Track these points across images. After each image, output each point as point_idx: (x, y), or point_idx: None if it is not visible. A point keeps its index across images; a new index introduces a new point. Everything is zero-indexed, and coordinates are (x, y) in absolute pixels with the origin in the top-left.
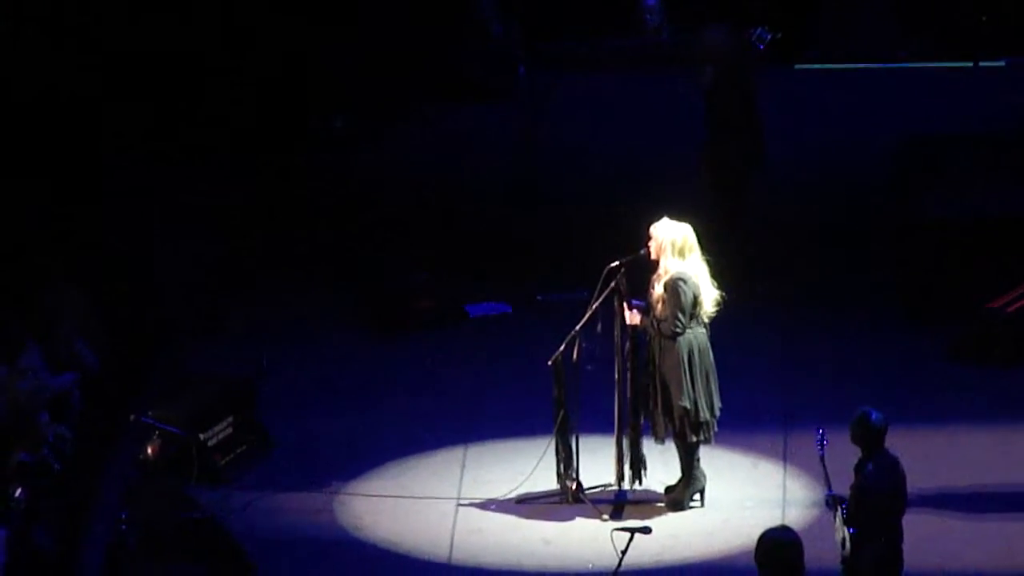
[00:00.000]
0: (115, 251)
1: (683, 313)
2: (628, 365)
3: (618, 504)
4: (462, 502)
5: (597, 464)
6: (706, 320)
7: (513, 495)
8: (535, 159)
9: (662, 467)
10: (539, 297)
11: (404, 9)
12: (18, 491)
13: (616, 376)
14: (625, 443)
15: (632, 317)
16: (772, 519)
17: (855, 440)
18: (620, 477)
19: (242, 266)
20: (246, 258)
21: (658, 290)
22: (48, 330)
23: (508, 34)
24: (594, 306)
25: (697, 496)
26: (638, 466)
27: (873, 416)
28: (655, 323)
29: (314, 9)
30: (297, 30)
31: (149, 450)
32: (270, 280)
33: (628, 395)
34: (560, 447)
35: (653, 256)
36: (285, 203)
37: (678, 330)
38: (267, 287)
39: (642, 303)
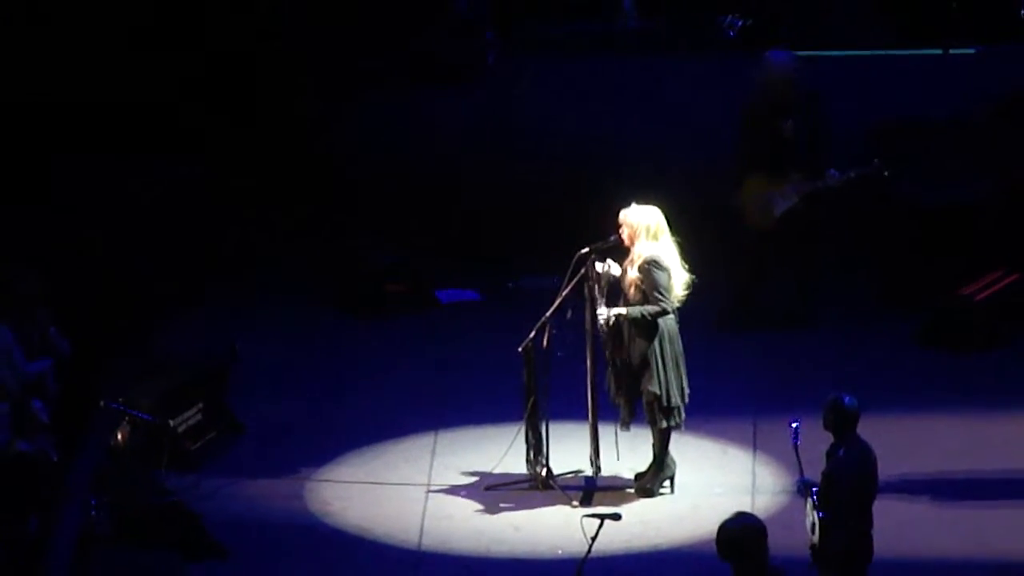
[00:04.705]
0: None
1: (666, 291)
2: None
3: (588, 490)
4: (432, 488)
5: (567, 450)
6: (676, 304)
7: (483, 481)
8: (504, 143)
9: (631, 453)
10: (510, 284)
11: None
12: None
13: (588, 363)
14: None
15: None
16: (741, 505)
17: (827, 425)
18: (596, 458)
19: (213, 248)
20: (218, 239)
21: (631, 274)
22: (22, 315)
23: (477, 14)
24: (564, 293)
25: (667, 483)
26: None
27: (846, 401)
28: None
29: None
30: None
31: (119, 436)
32: (241, 261)
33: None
34: (530, 433)
35: (627, 243)
36: (257, 182)
37: (665, 306)
38: (238, 268)
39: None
